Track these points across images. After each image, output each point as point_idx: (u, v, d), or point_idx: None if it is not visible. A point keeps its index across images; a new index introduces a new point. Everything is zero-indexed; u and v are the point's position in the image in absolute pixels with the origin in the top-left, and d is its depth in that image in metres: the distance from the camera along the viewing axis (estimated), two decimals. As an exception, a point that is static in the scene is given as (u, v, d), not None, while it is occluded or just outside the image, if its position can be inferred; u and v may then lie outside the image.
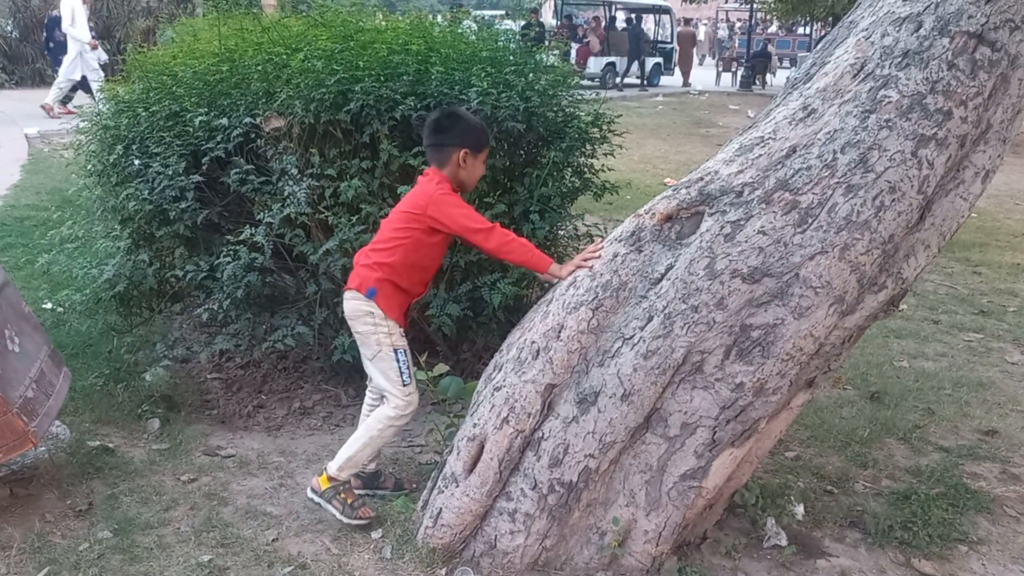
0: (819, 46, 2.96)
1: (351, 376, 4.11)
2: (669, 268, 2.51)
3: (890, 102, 2.52)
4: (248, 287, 3.48)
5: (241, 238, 3.43)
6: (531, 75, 3.88)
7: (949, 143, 2.54)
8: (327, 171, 3.56)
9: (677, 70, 25.81)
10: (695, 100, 21.58)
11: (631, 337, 2.50)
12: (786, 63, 29.73)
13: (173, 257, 3.80)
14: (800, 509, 3.01)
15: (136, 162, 3.69)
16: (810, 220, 2.47)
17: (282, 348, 3.62)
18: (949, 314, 5.64)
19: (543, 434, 2.58)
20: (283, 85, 3.67)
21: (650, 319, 2.49)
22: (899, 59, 2.56)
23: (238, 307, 3.58)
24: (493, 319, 3.89)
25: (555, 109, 4.03)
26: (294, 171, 3.48)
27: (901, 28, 2.61)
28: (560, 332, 2.56)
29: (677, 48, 26.14)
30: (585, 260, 2.64)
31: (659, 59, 25.25)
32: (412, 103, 3.55)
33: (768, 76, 25.96)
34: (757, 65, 25.61)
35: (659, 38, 27.66)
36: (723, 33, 34.00)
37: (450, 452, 2.76)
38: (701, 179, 2.58)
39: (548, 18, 29.19)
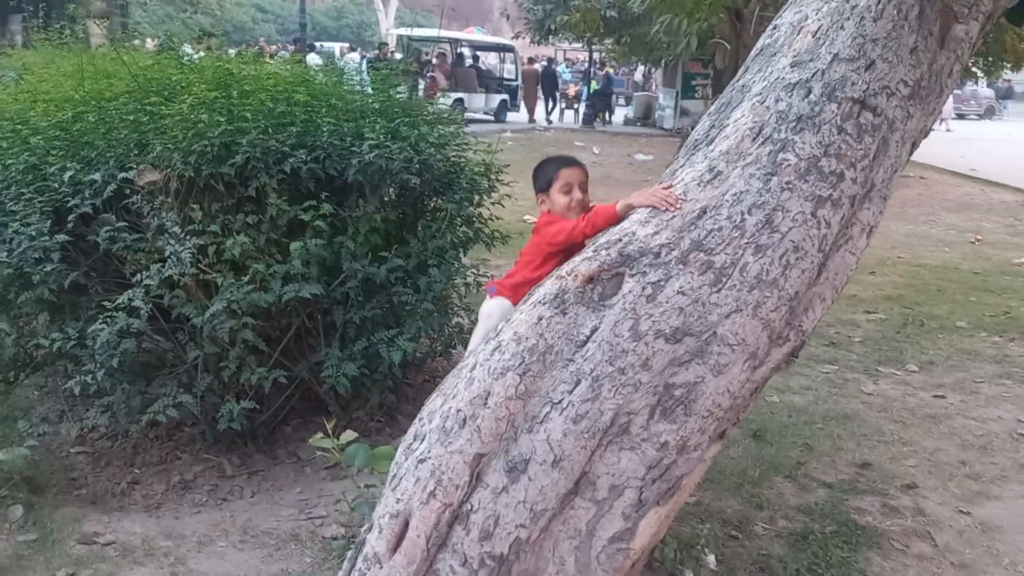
0: (712, 106, 3.07)
1: (234, 442, 3.86)
2: (594, 330, 2.51)
3: (789, 165, 2.64)
4: (124, 355, 3.19)
5: (118, 302, 3.14)
6: (424, 126, 3.83)
7: (843, 203, 2.68)
8: (210, 227, 3.34)
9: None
10: (542, 136, 22.14)
11: (559, 401, 2.47)
12: (621, 101, 31.13)
13: (35, 324, 3.45)
14: (712, 559, 3.07)
15: (-10, 221, 3.34)
16: (724, 280, 2.53)
17: (164, 420, 3.34)
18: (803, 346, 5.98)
19: (472, 506, 2.49)
20: (157, 135, 3.43)
21: (578, 383, 2.47)
22: (793, 123, 2.69)
23: (113, 377, 3.28)
24: (389, 376, 3.78)
25: (445, 159, 3.99)
26: (176, 229, 3.24)
27: (793, 94, 2.75)
28: (487, 399, 2.50)
29: (522, 86, 26.84)
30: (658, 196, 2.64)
31: (505, 96, 25.87)
32: (303, 156, 3.41)
33: (608, 114, 27.12)
34: (598, 103, 26.67)
35: (504, 75, 28.29)
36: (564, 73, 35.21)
37: (369, 530, 2.62)
38: (620, 240, 2.60)
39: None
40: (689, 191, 2.67)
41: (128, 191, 3.33)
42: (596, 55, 29.36)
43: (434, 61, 25.21)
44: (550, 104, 27.02)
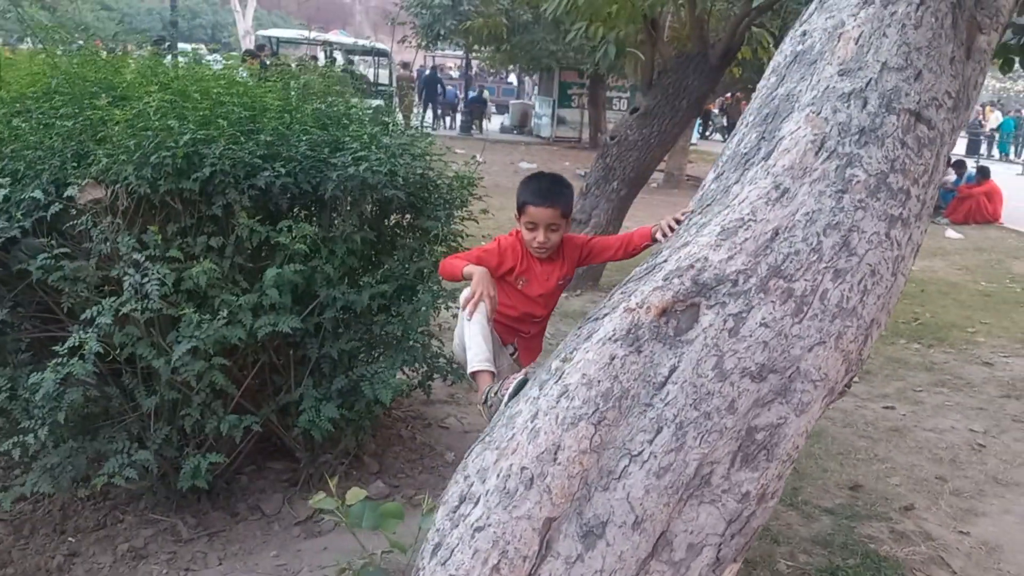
0: (749, 116, 2.84)
1: (185, 499, 3.31)
2: (673, 370, 2.21)
3: (859, 181, 2.44)
4: (70, 408, 2.64)
5: (68, 345, 2.58)
6: (403, 136, 3.42)
7: (910, 223, 2.51)
8: (168, 252, 2.83)
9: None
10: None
11: (639, 453, 2.16)
12: (493, 109, 31.14)
13: (-52, 373, 2.81)
14: (759, 606, 2.83)
15: None
16: (805, 309, 2.30)
17: (121, 484, 2.79)
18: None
19: (542, 580, 2.14)
20: (98, 144, 2.88)
21: (659, 431, 2.16)
22: (856, 136, 2.50)
23: (55, 434, 2.71)
24: (367, 416, 3.34)
25: (421, 172, 3.60)
26: (136, 256, 2.70)
27: (849, 104, 2.56)
28: (557, 454, 2.15)
29: (396, 91, 26.35)
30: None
31: (380, 101, 25.29)
32: (279, 169, 2.94)
33: (484, 122, 27.05)
34: (475, 111, 26.53)
35: (378, 80, 27.68)
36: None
37: (412, 613, 2.22)
38: (692, 267, 2.32)
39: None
40: (757, 211, 2.42)
41: (73, 211, 2.75)
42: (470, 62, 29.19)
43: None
44: (429, 112, 26.66)
